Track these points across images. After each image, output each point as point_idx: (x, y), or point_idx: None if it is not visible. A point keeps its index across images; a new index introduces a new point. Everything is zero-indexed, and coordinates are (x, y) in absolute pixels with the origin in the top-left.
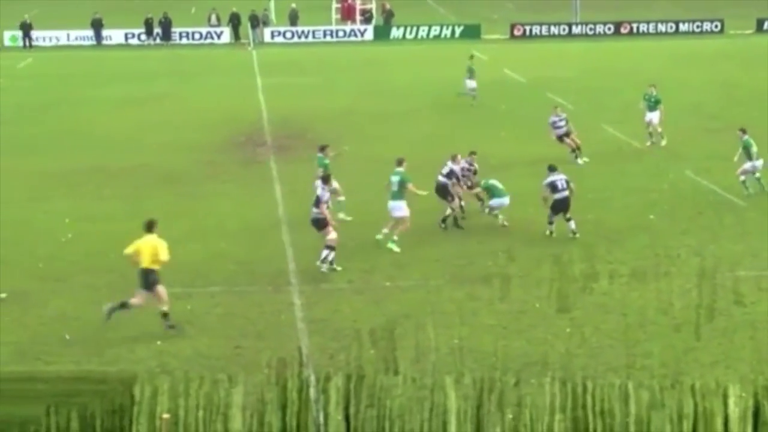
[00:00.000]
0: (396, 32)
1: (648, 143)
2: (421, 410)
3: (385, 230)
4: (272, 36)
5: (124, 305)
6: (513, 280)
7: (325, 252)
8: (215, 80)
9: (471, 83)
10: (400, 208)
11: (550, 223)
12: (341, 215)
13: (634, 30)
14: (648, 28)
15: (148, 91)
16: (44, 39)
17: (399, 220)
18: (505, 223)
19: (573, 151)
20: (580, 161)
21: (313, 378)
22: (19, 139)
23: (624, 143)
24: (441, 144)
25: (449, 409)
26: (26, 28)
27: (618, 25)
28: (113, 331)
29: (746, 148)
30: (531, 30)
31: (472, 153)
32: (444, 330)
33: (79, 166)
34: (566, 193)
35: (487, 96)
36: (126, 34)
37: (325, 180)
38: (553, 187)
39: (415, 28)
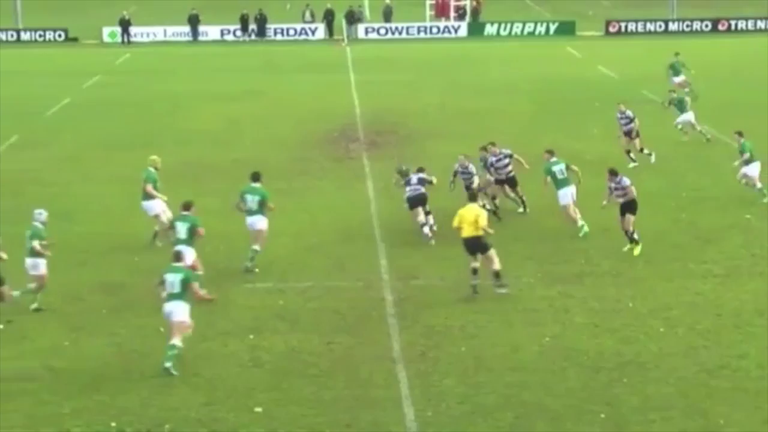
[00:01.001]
0: (490, 29)
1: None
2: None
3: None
4: (366, 32)
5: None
6: (606, 279)
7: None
8: (309, 76)
9: (678, 79)
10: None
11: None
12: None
13: (732, 27)
14: (746, 25)
15: (243, 87)
16: (142, 35)
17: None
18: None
19: (627, 152)
20: (631, 165)
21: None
22: (115, 135)
23: (720, 141)
24: (531, 141)
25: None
26: (125, 25)
27: (715, 22)
28: (207, 325)
29: (744, 152)
30: (626, 27)
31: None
32: (535, 328)
33: (175, 161)
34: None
35: (580, 93)
36: (222, 30)
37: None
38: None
39: (509, 25)
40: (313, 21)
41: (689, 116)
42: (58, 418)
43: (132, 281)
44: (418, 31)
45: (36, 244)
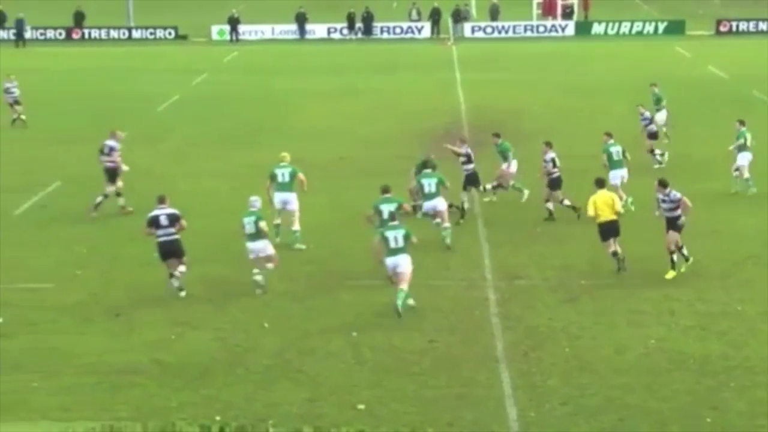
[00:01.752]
0: (597, 28)
1: None
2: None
3: None
4: (473, 31)
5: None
6: (713, 282)
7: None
8: (415, 75)
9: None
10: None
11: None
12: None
13: None
14: None
15: (349, 85)
16: (250, 33)
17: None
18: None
19: (651, 151)
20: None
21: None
22: (222, 131)
23: None
24: (637, 141)
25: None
26: (233, 23)
27: None
28: (310, 321)
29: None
30: (737, 26)
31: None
32: (640, 330)
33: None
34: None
35: (689, 93)
36: (329, 29)
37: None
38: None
39: (617, 24)
40: (419, 19)
41: None
42: (165, 411)
43: (236, 276)
44: (525, 30)
45: (263, 225)
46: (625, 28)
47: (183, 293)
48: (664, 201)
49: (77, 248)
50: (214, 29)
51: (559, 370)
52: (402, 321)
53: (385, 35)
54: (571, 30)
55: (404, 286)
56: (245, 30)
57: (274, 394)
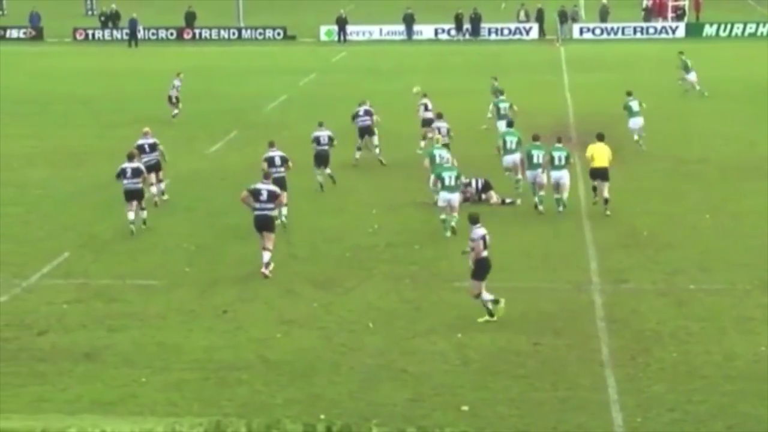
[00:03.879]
0: (709, 29)
1: None
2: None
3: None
4: (581, 32)
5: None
6: None
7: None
8: (523, 76)
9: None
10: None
11: None
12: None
13: None
14: None
15: (457, 86)
16: (358, 33)
17: None
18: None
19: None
20: None
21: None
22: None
23: None
24: (747, 145)
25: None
26: (341, 23)
27: None
28: (415, 322)
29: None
30: None
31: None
32: (750, 336)
33: (386, 158)
34: None
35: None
36: (436, 30)
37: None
38: None
39: (729, 25)
40: (527, 20)
41: None
42: (270, 408)
43: (342, 275)
44: (635, 32)
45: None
46: (737, 29)
47: (268, 269)
48: None
49: (186, 245)
50: (323, 29)
51: (666, 376)
52: (507, 323)
53: (493, 36)
54: (681, 32)
55: (565, 194)
56: (353, 30)
57: (378, 393)
